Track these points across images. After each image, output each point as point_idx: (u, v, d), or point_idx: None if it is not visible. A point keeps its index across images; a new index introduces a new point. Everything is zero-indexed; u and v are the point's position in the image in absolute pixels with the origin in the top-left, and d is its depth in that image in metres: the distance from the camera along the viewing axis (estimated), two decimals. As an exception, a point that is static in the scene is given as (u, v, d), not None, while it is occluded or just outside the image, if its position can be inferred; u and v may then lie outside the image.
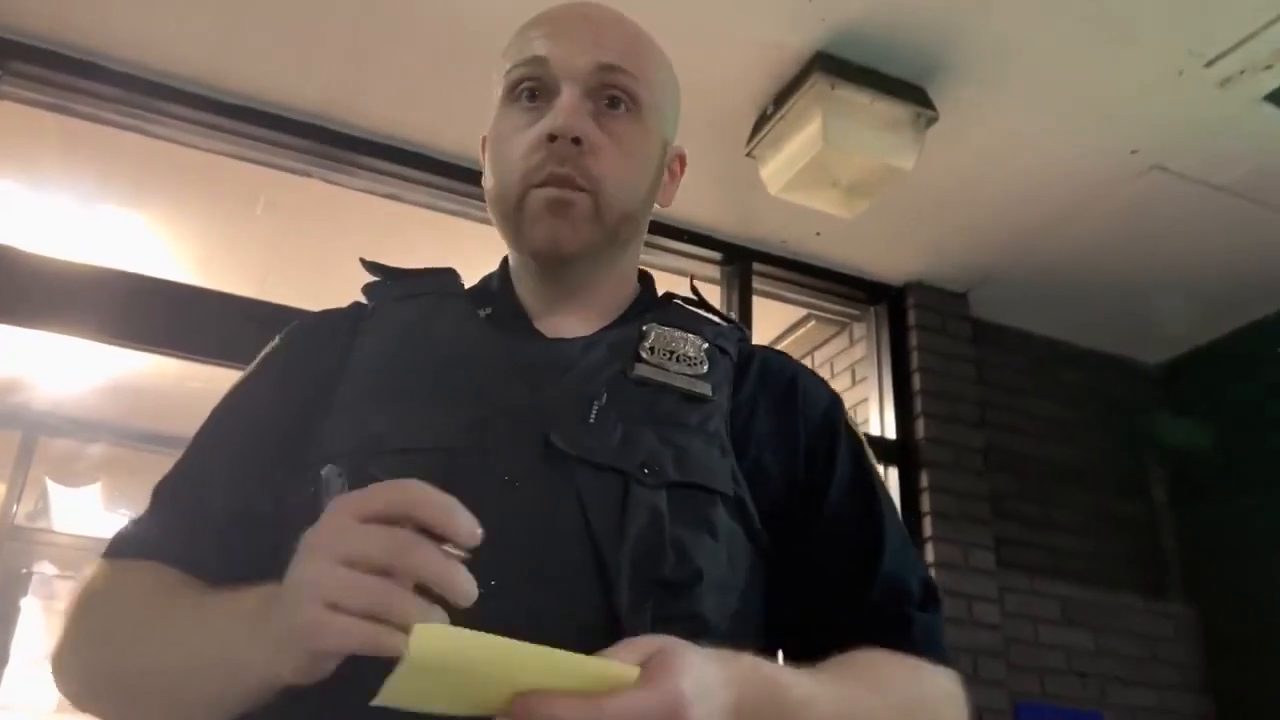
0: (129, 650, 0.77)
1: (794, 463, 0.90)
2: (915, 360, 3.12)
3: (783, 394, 0.94)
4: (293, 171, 2.68)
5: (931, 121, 2.41)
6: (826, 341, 3.47)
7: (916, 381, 3.10)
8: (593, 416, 0.83)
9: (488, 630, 0.58)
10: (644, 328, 0.91)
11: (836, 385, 3.34)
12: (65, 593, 5.61)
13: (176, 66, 2.45)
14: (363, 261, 1.01)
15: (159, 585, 0.80)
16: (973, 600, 2.87)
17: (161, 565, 0.82)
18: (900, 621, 0.87)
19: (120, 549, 0.86)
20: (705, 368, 0.90)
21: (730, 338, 0.96)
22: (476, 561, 0.64)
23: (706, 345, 0.92)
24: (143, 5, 2.29)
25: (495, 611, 0.62)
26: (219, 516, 0.85)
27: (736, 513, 0.84)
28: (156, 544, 0.84)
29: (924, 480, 2.97)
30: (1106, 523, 3.28)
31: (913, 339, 3.15)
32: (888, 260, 3.13)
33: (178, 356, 2.59)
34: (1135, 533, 3.32)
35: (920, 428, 3.03)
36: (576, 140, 0.88)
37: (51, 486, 4.83)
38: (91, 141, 2.66)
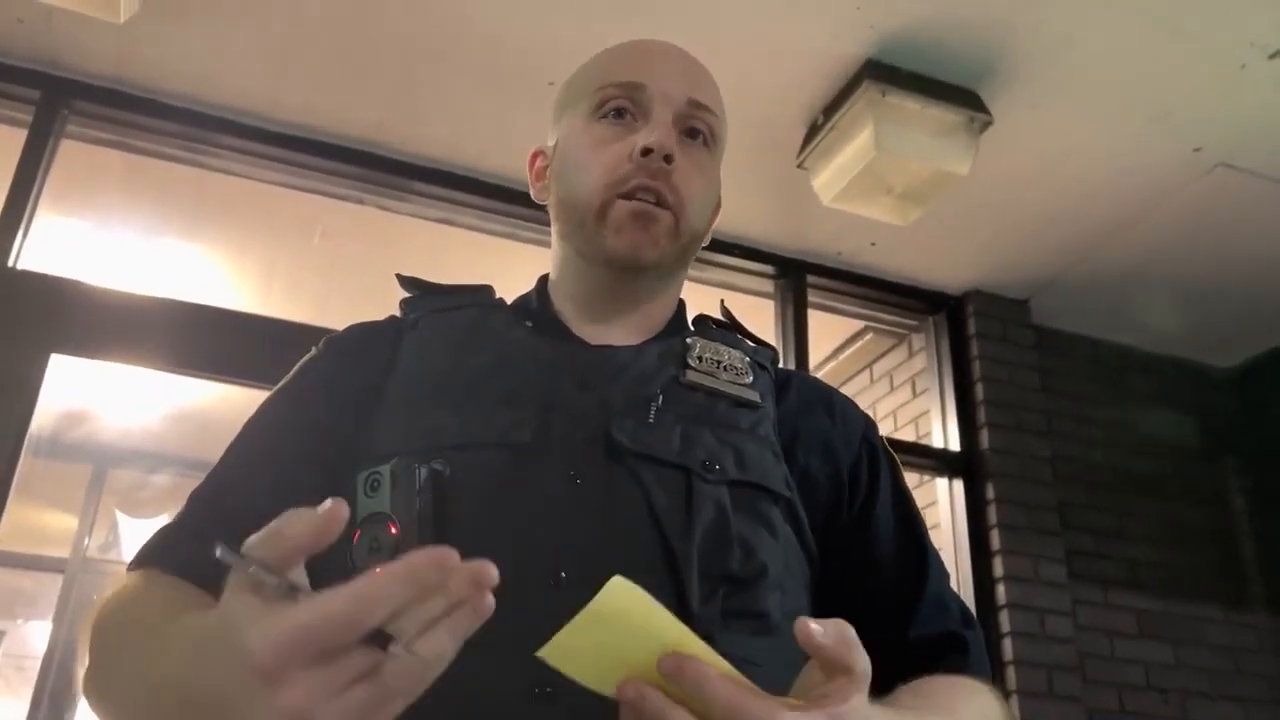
0: (131, 675, 0.71)
1: (838, 478, 0.93)
2: (977, 370, 3.06)
3: (823, 411, 0.97)
4: (347, 199, 2.71)
5: (986, 125, 2.38)
6: (885, 354, 3.42)
7: (979, 392, 3.04)
8: (651, 416, 0.85)
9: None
10: (687, 339, 0.95)
11: (897, 398, 3.33)
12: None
13: (232, 100, 2.50)
14: (399, 277, 1.03)
15: (170, 604, 0.75)
16: (1045, 614, 2.79)
17: (184, 583, 0.79)
18: (955, 643, 0.89)
19: (144, 559, 0.85)
20: (751, 378, 0.93)
21: (765, 356, 0.99)
22: (545, 561, 0.71)
23: (748, 359, 0.96)
24: (200, 42, 2.33)
25: (565, 605, 0.60)
26: (249, 528, 0.81)
27: (790, 516, 0.87)
28: (181, 557, 0.82)
29: (990, 492, 2.91)
30: (1182, 532, 3.18)
31: (974, 348, 3.09)
32: (945, 269, 3.08)
33: (240, 384, 2.63)
34: (1213, 542, 3.22)
35: (985, 438, 2.97)
36: (669, 158, 0.92)
37: (121, 518, 4.92)
38: (151, 176, 2.72)
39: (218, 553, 0.54)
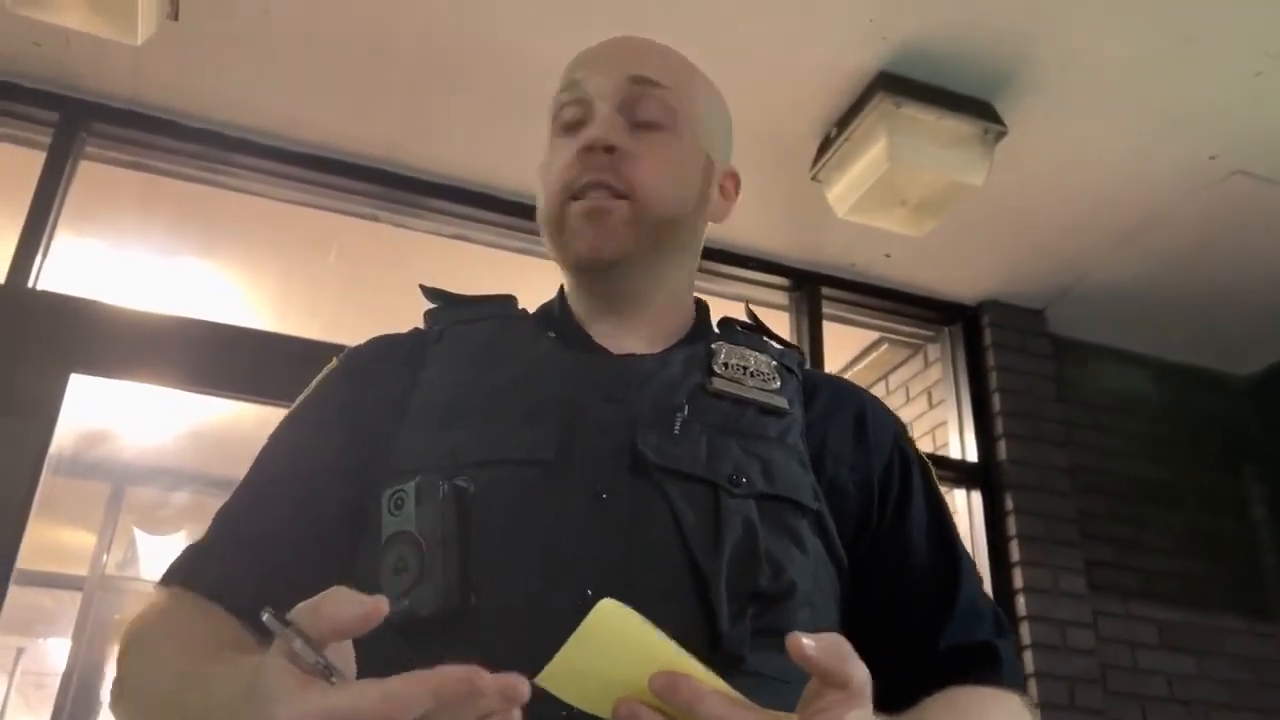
0: (167, 702, 0.73)
1: (867, 485, 0.90)
2: (994, 380, 3.05)
3: (854, 415, 0.94)
4: (361, 216, 2.72)
5: (1000, 136, 2.37)
6: (901, 364, 3.41)
7: (996, 402, 3.03)
8: (677, 428, 0.83)
9: None
10: (713, 345, 0.91)
11: (913, 409, 3.32)
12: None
13: (247, 120, 2.52)
14: (423, 288, 1.02)
15: (207, 637, 0.76)
16: (1065, 626, 2.77)
17: (210, 604, 0.80)
18: (988, 653, 0.87)
19: (173, 577, 0.85)
20: (778, 383, 0.90)
21: (792, 359, 0.96)
22: (571, 580, 0.72)
23: (775, 363, 0.93)
24: (215, 63, 2.35)
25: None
26: (277, 548, 0.84)
27: (818, 528, 0.84)
28: (210, 579, 0.83)
29: (1009, 503, 2.89)
30: (1202, 542, 3.16)
31: (990, 358, 3.08)
32: (961, 279, 3.07)
33: (257, 402, 2.64)
34: (1233, 552, 3.19)
35: (1002, 449, 2.96)
36: (610, 149, 0.90)
37: (139, 535, 4.94)
38: (168, 196, 2.74)
39: (264, 618, 0.55)
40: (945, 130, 2.32)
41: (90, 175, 2.54)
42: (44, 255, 2.38)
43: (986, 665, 0.86)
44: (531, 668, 0.60)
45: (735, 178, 1.03)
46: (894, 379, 3.42)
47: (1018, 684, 0.88)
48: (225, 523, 0.89)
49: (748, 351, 0.92)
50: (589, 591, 0.70)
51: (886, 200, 2.40)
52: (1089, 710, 2.70)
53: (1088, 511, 3.01)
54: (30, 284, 2.34)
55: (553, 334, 0.95)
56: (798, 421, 0.89)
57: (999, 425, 3.00)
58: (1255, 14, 2.13)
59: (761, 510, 0.81)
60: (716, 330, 0.98)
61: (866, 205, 2.41)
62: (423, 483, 0.76)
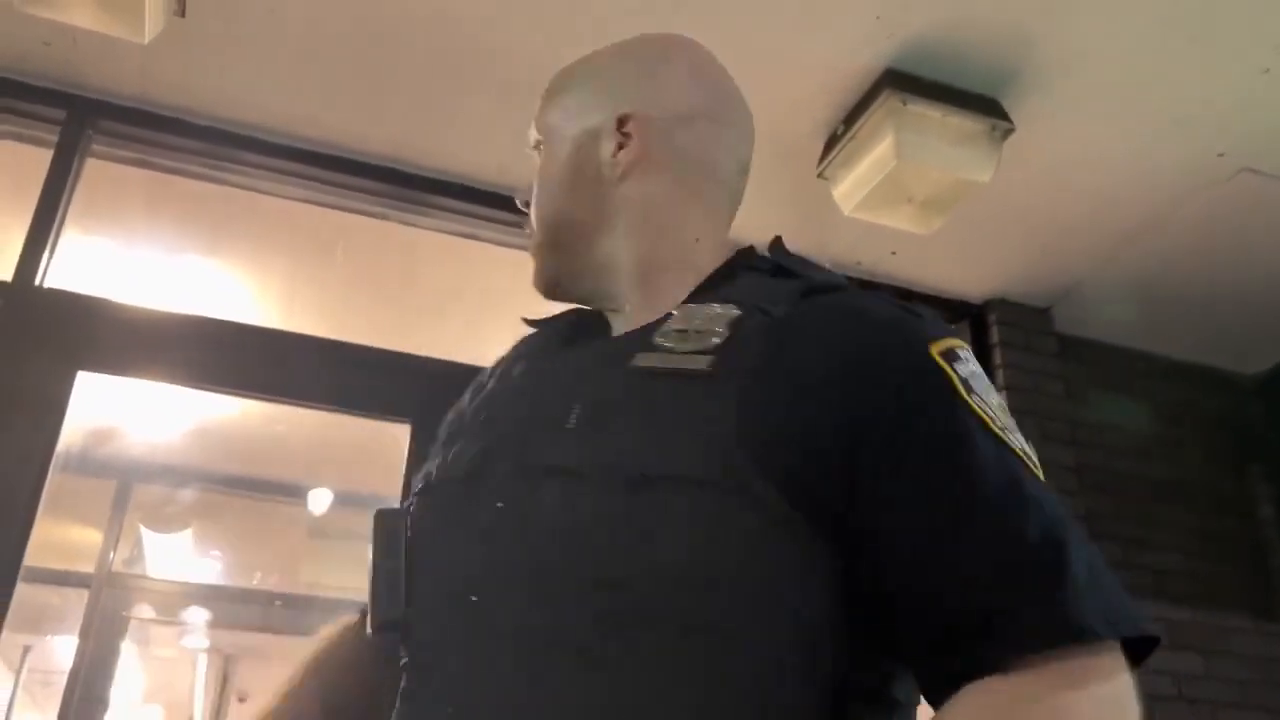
0: None
1: (825, 448, 0.73)
2: (1001, 378, 3.05)
3: (817, 349, 0.78)
4: (369, 214, 2.73)
5: (1007, 133, 2.37)
6: (906, 363, 3.40)
7: (1002, 400, 3.02)
8: (571, 421, 0.80)
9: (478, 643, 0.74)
10: (674, 310, 0.85)
11: (919, 407, 3.31)
12: (161, 638, 5.74)
13: (254, 117, 2.52)
14: (525, 320, 1.05)
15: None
16: (1072, 624, 2.77)
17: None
18: (970, 634, 0.69)
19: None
20: (720, 339, 0.78)
21: (782, 296, 0.82)
22: (471, 579, 0.77)
23: (739, 314, 0.80)
24: (222, 61, 2.36)
25: (480, 627, 0.74)
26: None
27: (728, 498, 0.72)
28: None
29: (1015, 501, 2.89)
30: (1209, 541, 3.15)
31: (997, 357, 3.08)
32: (967, 277, 3.07)
33: (264, 400, 2.65)
34: (1241, 551, 3.18)
35: (1009, 447, 2.95)
36: (526, 204, 1.01)
37: (145, 533, 4.95)
38: (174, 194, 2.75)
39: None
40: (952, 127, 2.32)
41: (97, 173, 2.55)
42: (51, 253, 2.39)
43: (971, 651, 0.68)
44: (460, 669, 0.76)
45: (633, 119, 0.95)
46: (900, 377, 3.41)
47: (1038, 648, 0.66)
48: None
49: (710, 310, 0.82)
50: (473, 598, 0.76)
51: (893, 197, 2.39)
52: (1096, 709, 2.69)
53: (1094, 510, 3.00)
54: (37, 282, 2.34)
55: (570, 334, 0.98)
56: (728, 380, 0.76)
57: (1005, 423, 2.99)
58: (1263, 10, 2.12)
59: (634, 493, 0.73)
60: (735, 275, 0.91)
61: (873, 202, 2.41)
62: (376, 515, 0.86)
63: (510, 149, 2.60)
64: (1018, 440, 0.74)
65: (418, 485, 0.89)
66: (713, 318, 0.81)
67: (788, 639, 0.71)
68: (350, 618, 1.04)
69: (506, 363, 0.98)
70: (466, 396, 0.99)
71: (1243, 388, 3.44)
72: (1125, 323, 3.21)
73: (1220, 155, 2.52)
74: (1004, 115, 2.36)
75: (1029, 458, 0.74)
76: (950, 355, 0.76)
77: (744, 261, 0.93)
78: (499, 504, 0.79)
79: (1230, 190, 2.63)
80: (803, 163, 2.55)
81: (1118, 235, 2.83)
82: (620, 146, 0.94)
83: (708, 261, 0.92)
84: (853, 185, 2.43)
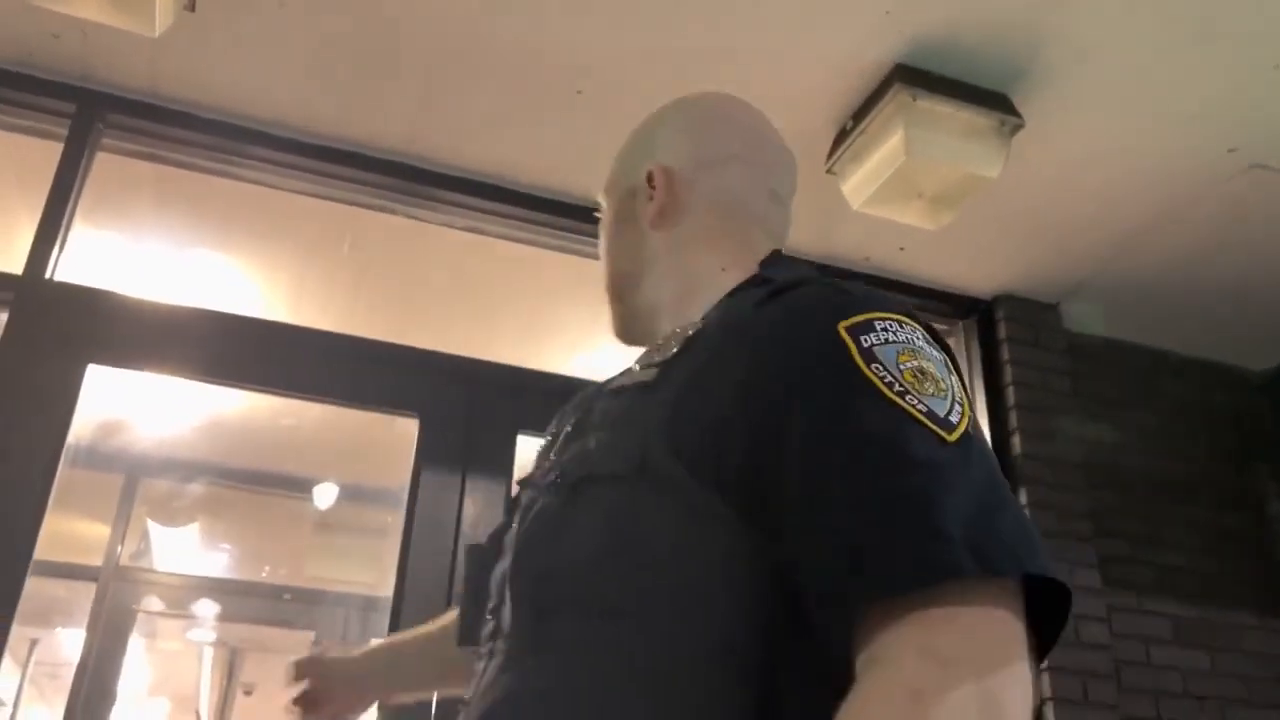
0: None
1: (728, 418, 0.77)
2: (1008, 375, 3.04)
3: (728, 342, 0.84)
4: (377, 209, 2.73)
5: (1017, 129, 2.36)
6: (914, 359, 3.40)
7: (1010, 396, 3.02)
8: (557, 446, 0.94)
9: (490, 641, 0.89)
10: (661, 338, 0.95)
11: (926, 403, 3.30)
12: (167, 632, 5.76)
13: (263, 112, 2.52)
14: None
15: None
16: (1079, 620, 2.77)
17: None
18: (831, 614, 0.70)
19: None
20: (672, 352, 0.87)
21: (748, 303, 0.87)
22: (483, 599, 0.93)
23: (697, 327, 0.89)
24: (231, 55, 2.36)
25: (494, 627, 0.88)
26: None
27: (646, 489, 0.78)
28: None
29: (1023, 497, 2.89)
30: (1217, 538, 3.14)
31: (1005, 353, 3.08)
32: (976, 273, 3.07)
33: (271, 393, 2.65)
34: (1248, 547, 3.18)
35: (1016, 444, 2.95)
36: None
37: (152, 526, 4.96)
38: (183, 188, 2.75)
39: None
40: (962, 122, 2.31)
41: (107, 167, 2.55)
42: (61, 247, 2.39)
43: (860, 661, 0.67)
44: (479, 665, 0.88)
45: (663, 172, 1.05)
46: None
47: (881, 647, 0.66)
48: None
49: (680, 331, 0.91)
50: (489, 605, 0.91)
51: (903, 193, 2.39)
52: (1103, 706, 2.70)
53: (1102, 506, 3.00)
54: (48, 275, 2.35)
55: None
56: (668, 384, 0.84)
57: (1013, 419, 2.99)
58: (1274, 6, 2.11)
59: (569, 494, 0.83)
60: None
61: (882, 198, 2.41)
62: (466, 549, 1.06)
63: (516, 143, 2.62)
64: (921, 403, 0.74)
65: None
66: (675, 336, 0.90)
67: (706, 621, 0.74)
68: None
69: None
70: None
71: (1251, 384, 3.44)
72: (1133, 319, 3.20)
73: (1231, 151, 2.51)
74: (1013, 111, 2.36)
75: (932, 417, 0.73)
76: (861, 327, 0.78)
77: (752, 279, 0.97)
78: (514, 523, 0.92)
79: (1241, 186, 2.62)
80: (812, 158, 2.55)
81: (1126, 231, 2.82)
82: (650, 199, 1.05)
83: (727, 287, 0.98)
84: (862, 180, 2.42)
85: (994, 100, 2.35)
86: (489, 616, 0.89)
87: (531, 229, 2.79)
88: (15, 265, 2.35)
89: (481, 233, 2.81)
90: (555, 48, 2.29)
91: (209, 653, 6.52)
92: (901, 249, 2.92)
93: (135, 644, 4.94)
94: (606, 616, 0.76)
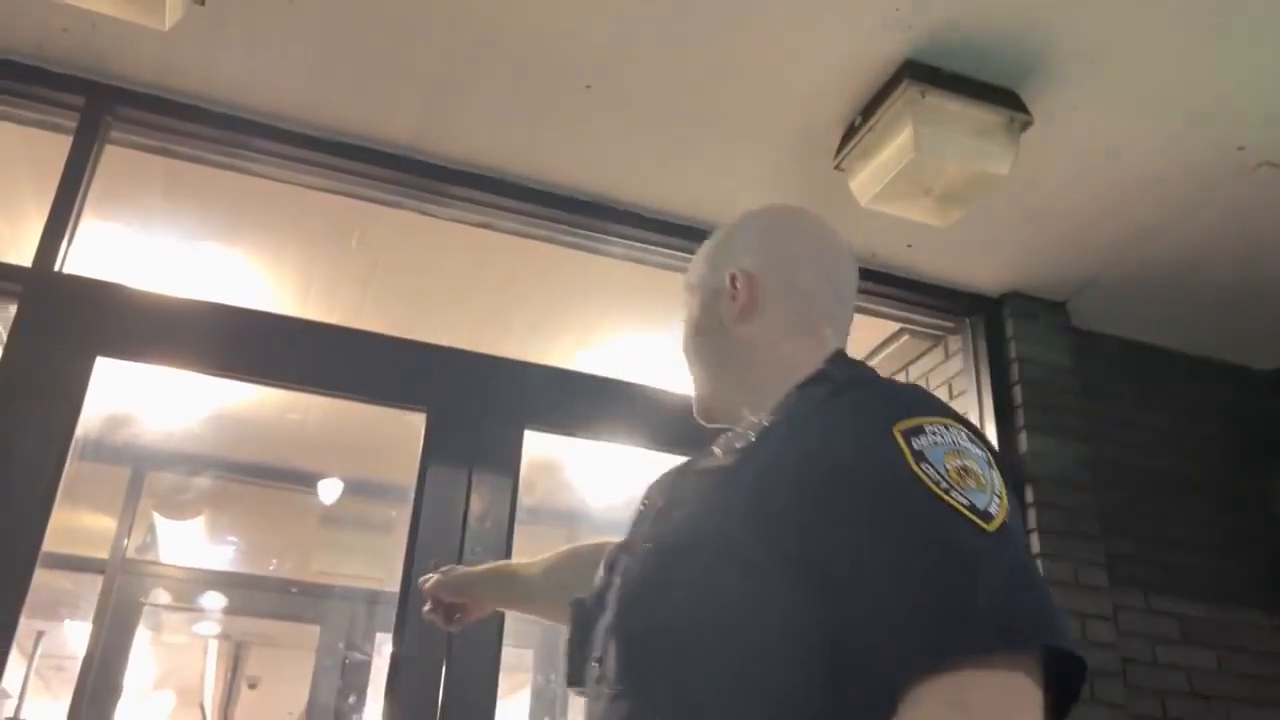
0: None
1: (797, 508, 0.94)
2: (1016, 373, 3.04)
3: (795, 437, 1.01)
4: (384, 203, 2.73)
5: (1026, 126, 2.36)
6: (921, 356, 3.40)
7: (1018, 394, 3.01)
8: (650, 519, 1.13)
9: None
10: (740, 425, 1.11)
11: (934, 400, 3.30)
12: (173, 625, 5.78)
13: (272, 106, 2.52)
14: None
15: None
16: (1086, 619, 2.76)
17: None
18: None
19: None
20: (749, 441, 1.06)
21: (813, 402, 1.05)
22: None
23: (769, 421, 1.06)
24: (241, 49, 2.36)
25: (595, 674, 1.05)
26: None
27: (727, 561, 0.95)
28: None
29: (1030, 496, 2.88)
30: (1224, 536, 3.14)
31: (1012, 350, 3.07)
32: (983, 271, 3.06)
33: (278, 387, 2.66)
34: (1256, 546, 3.17)
35: (1023, 442, 2.95)
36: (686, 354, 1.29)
37: (158, 520, 4.98)
38: (192, 181, 2.75)
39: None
40: (971, 119, 2.31)
41: (116, 160, 2.55)
42: (70, 239, 2.40)
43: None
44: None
45: (744, 277, 1.21)
46: (914, 370, 3.41)
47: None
48: None
49: (750, 421, 1.09)
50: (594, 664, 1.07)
51: (911, 189, 2.38)
52: (1109, 704, 2.69)
53: (1109, 504, 3.00)
54: (57, 267, 2.35)
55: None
56: (745, 470, 1.02)
57: (1020, 418, 2.98)
58: (1287, 3, 2.11)
59: (662, 563, 1.02)
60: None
61: (891, 194, 2.40)
62: (571, 603, 1.17)
63: (526, 139, 2.62)
64: (964, 498, 0.89)
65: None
66: (752, 426, 1.08)
67: (776, 672, 0.90)
68: (605, 540, 1.40)
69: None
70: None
71: (1259, 383, 3.43)
72: (1141, 317, 3.20)
73: (1240, 149, 2.51)
74: (1022, 108, 2.35)
75: (974, 510, 0.89)
76: (913, 431, 0.94)
77: (817, 376, 1.13)
78: (615, 578, 1.09)
79: (1250, 185, 2.61)
80: (820, 154, 2.55)
81: (1135, 229, 2.82)
82: (732, 298, 1.20)
83: (795, 380, 1.13)
84: (870, 177, 2.42)
85: (1003, 97, 2.34)
86: (594, 663, 1.05)
87: (540, 224, 2.79)
88: (24, 258, 2.36)
89: (490, 228, 2.81)
90: (565, 43, 2.29)
91: (214, 646, 6.54)
92: (909, 246, 2.91)
93: (141, 637, 4.96)
94: (699, 667, 0.93)
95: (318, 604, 5.08)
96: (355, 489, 4.68)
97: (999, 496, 0.91)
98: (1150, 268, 2.96)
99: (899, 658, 0.83)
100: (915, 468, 0.91)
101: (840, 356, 1.18)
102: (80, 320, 2.34)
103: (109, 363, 2.36)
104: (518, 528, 2.54)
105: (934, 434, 0.94)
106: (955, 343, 3.24)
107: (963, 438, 0.95)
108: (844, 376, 1.09)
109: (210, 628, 6.10)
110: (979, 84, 2.33)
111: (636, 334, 3.49)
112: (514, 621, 2.47)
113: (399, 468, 2.61)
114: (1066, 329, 3.17)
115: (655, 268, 2.92)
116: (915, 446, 0.92)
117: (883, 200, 2.43)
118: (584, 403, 2.75)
